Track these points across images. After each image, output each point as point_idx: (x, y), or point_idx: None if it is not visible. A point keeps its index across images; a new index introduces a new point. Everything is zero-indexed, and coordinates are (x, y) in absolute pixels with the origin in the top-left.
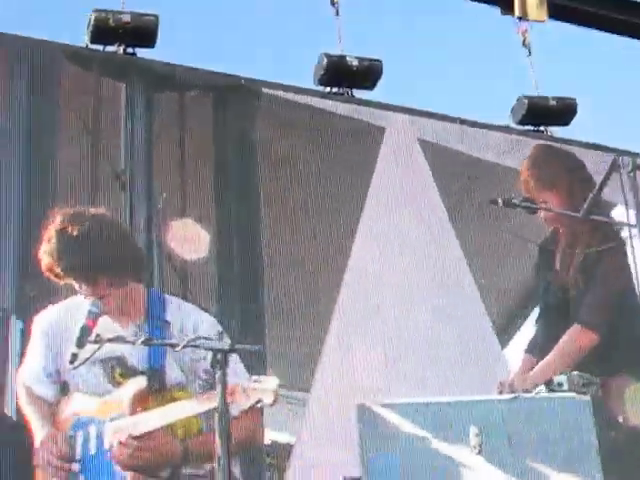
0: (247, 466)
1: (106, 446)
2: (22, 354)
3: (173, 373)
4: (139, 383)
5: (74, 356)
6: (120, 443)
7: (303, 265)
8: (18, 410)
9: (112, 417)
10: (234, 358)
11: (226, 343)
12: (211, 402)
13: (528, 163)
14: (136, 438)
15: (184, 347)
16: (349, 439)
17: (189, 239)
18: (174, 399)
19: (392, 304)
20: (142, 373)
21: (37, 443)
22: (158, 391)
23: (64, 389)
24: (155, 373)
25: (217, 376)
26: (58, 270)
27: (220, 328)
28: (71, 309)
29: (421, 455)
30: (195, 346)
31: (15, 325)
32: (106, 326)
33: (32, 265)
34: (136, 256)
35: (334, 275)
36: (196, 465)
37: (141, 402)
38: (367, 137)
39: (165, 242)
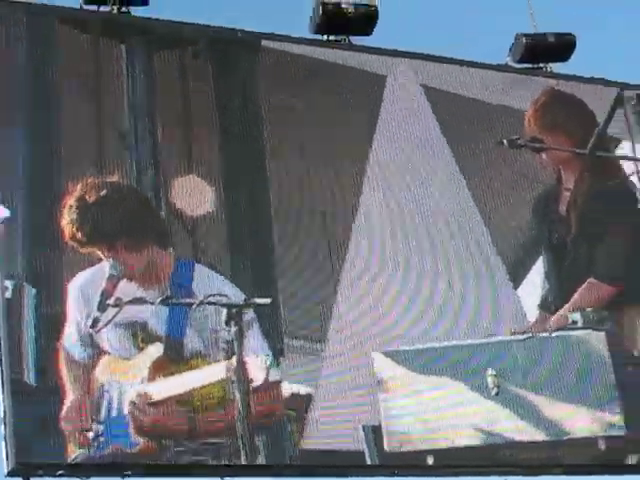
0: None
1: (125, 411)
2: (38, 319)
3: (192, 342)
4: (157, 351)
5: (96, 320)
6: (137, 409)
7: (312, 215)
8: (58, 375)
9: (133, 383)
10: (255, 330)
11: (240, 298)
12: (227, 371)
13: (533, 107)
14: (152, 405)
15: (199, 304)
16: (367, 387)
17: (195, 195)
18: (191, 367)
19: (402, 249)
20: (160, 340)
21: (65, 408)
22: (176, 359)
23: (96, 352)
24: (173, 341)
25: (232, 331)
26: (80, 237)
27: (243, 297)
28: (97, 274)
29: (439, 399)
30: (210, 303)
31: (29, 292)
32: (128, 290)
33: (43, 232)
34: (156, 223)
35: (343, 224)
36: (206, 438)
37: (160, 369)
38: (369, 86)
39: (172, 200)
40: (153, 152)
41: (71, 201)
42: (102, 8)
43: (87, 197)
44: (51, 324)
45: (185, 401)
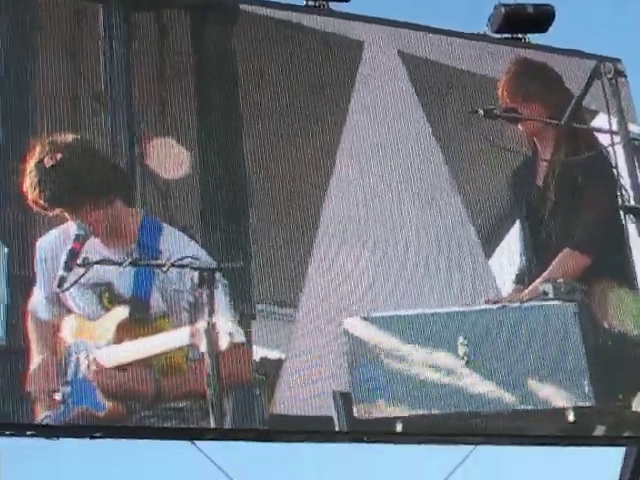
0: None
1: (92, 373)
2: (9, 278)
3: (158, 303)
4: (123, 313)
5: (62, 279)
6: (103, 371)
7: (286, 182)
8: (25, 335)
9: (99, 344)
10: (220, 292)
11: (212, 262)
12: (192, 336)
13: (505, 76)
14: (119, 368)
15: (171, 267)
16: (338, 353)
17: (169, 158)
18: (158, 328)
19: (376, 218)
20: (126, 302)
21: (32, 369)
22: (142, 321)
23: (63, 312)
24: (139, 302)
25: (204, 295)
26: (42, 202)
27: (213, 261)
28: (64, 233)
29: (409, 367)
30: (182, 265)
31: (1, 250)
32: (95, 249)
33: (11, 192)
34: (118, 177)
35: (318, 191)
36: (172, 402)
37: (126, 331)
38: (346, 51)
39: (146, 161)
40: (129, 113)
41: (31, 165)
42: None
43: (45, 161)
44: (21, 284)
45: (151, 364)
